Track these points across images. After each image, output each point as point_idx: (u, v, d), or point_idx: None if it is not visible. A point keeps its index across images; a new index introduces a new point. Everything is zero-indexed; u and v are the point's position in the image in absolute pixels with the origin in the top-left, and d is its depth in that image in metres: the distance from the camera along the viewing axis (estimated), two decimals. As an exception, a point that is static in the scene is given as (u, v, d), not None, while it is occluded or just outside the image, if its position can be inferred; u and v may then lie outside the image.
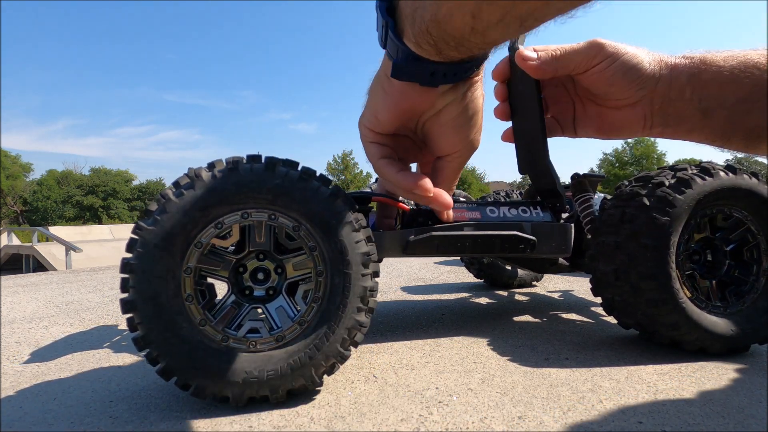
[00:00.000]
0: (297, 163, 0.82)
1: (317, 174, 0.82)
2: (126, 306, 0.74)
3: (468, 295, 1.90)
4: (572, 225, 1.24)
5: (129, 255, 0.75)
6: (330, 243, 0.80)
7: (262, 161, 0.80)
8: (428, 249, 1.10)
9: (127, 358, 1.13)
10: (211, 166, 0.79)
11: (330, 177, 0.86)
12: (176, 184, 0.78)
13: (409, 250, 1.09)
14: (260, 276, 0.86)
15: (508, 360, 1.03)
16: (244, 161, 0.79)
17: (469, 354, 1.08)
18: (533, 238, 1.15)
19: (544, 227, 1.19)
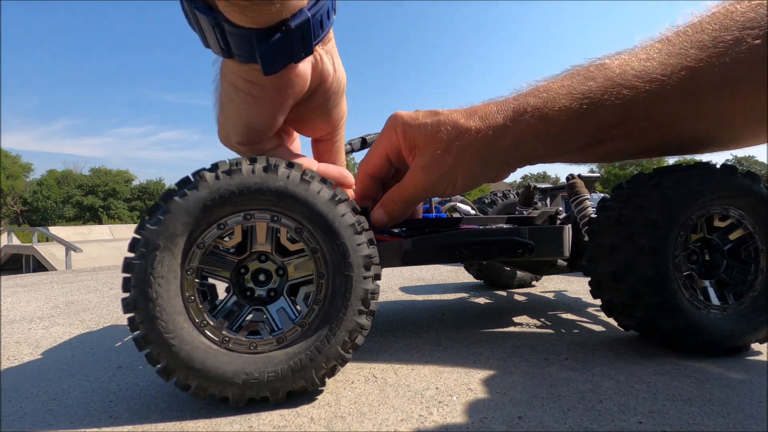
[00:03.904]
0: (300, 165, 0.82)
1: (320, 176, 0.83)
2: (127, 306, 0.75)
3: (468, 295, 1.90)
4: (569, 226, 1.25)
5: (131, 255, 0.75)
6: (332, 245, 0.80)
7: (264, 162, 0.80)
8: (426, 258, 1.11)
9: (127, 358, 1.13)
10: (214, 167, 0.80)
11: None
12: (180, 184, 0.78)
13: (407, 260, 1.09)
14: (261, 277, 0.86)
15: (508, 360, 1.03)
16: (247, 162, 0.79)
17: (469, 354, 1.08)
18: (531, 242, 1.16)
19: (542, 231, 1.20)
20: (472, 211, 1.57)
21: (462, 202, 1.57)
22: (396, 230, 1.19)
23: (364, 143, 1.24)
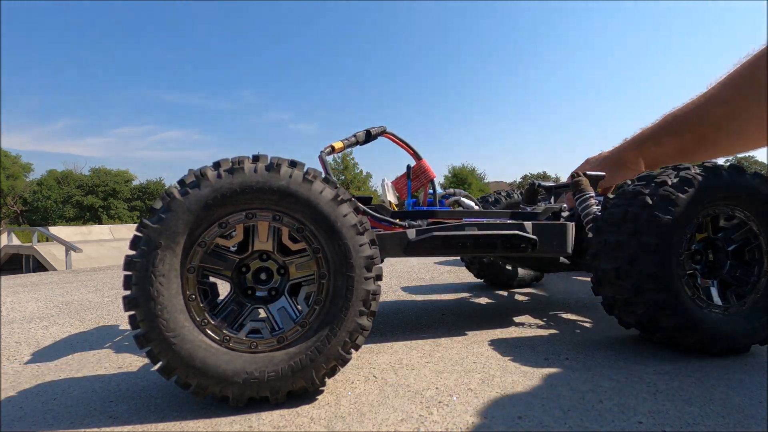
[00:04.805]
0: (303, 164, 0.82)
1: (322, 175, 0.83)
2: (128, 303, 0.75)
3: (468, 295, 1.90)
4: (573, 224, 1.25)
5: (132, 252, 0.75)
6: (334, 245, 0.80)
7: (267, 161, 0.80)
8: (430, 249, 1.10)
9: (127, 358, 1.13)
10: (216, 165, 0.80)
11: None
12: (181, 182, 0.78)
13: (410, 250, 1.09)
14: (263, 276, 0.86)
15: (508, 360, 1.03)
16: (249, 161, 0.79)
17: (469, 354, 1.08)
18: (534, 237, 1.16)
19: (546, 226, 1.20)
20: (476, 207, 1.56)
21: (465, 197, 1.56)
22: (399, 220, 1.19)
23: (368, 136, 1.25)
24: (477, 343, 1.18)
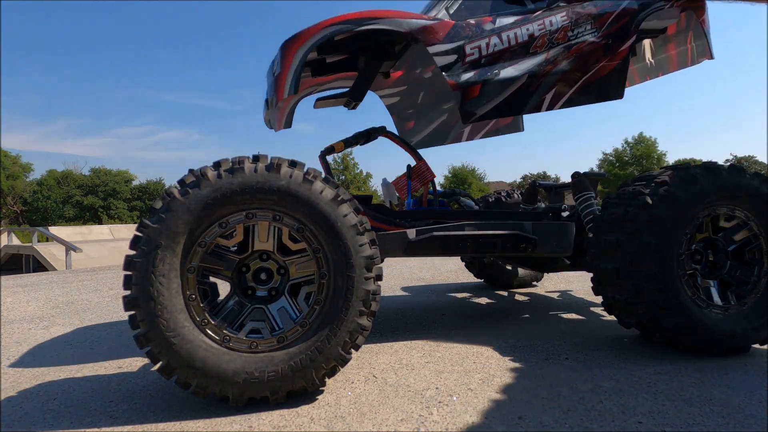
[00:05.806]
0: (303, 164, 0.83)
1: (322, 175, 0.83)
2: (128, 303, 0.75)
3: (468, 295, 1.90)
4: (573, 224, 1.25)
5: (133, 252, 0.76)
6: (334, 245, 0.80)
7: (267, 161, 0.81)
8: (430, 249, 1.11)
9: (127, 358, 1.13)
10: (216, 165, 0.80)
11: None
12: (181, 182, 0.79)
13: (410, 250, 1.09)
14: (263, 276, 0.86)
15: (508, 360, 1.03)
16: (249, 161, 0.80)
17: (469, 354, 1.08)
18: (534, 237, 1.16)
19: (546, 226, 1.20)
20: (475, 207, 1.57)
21: (465, 196, 1.57)
22: (399, 220, 1.20)
23: (368, 135, 1.26)
24: (477, 343, 1.18)
